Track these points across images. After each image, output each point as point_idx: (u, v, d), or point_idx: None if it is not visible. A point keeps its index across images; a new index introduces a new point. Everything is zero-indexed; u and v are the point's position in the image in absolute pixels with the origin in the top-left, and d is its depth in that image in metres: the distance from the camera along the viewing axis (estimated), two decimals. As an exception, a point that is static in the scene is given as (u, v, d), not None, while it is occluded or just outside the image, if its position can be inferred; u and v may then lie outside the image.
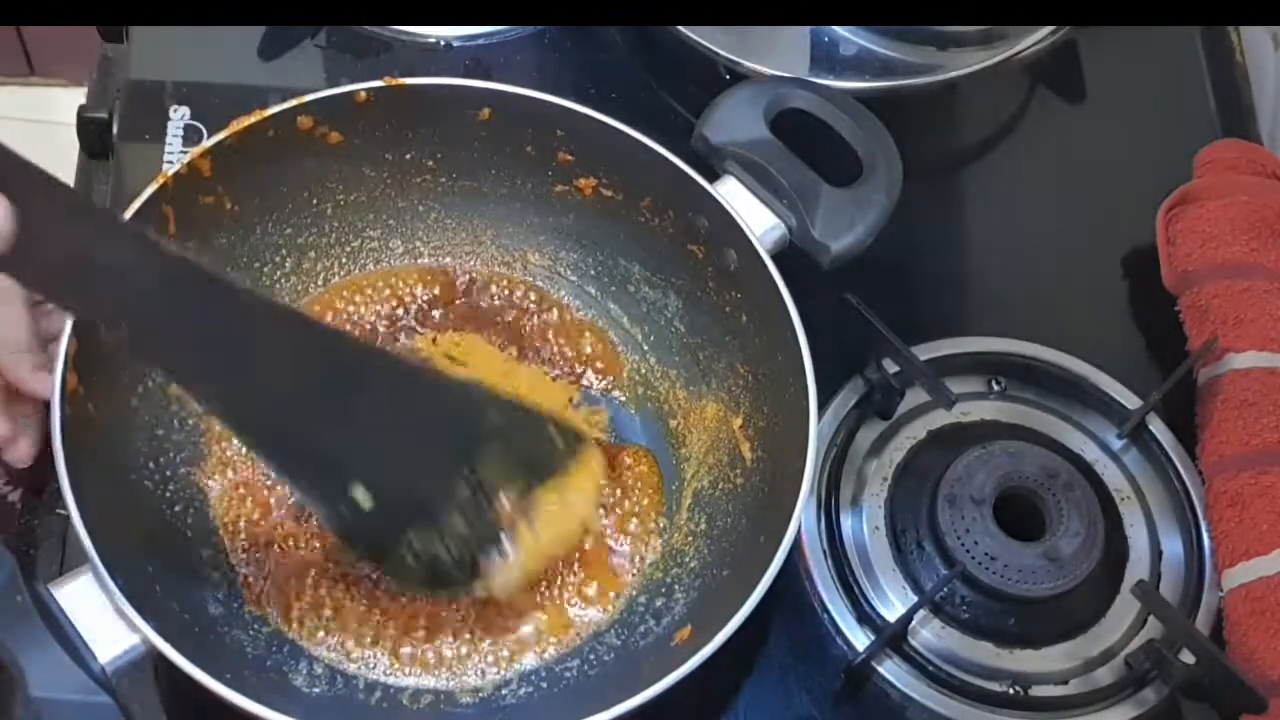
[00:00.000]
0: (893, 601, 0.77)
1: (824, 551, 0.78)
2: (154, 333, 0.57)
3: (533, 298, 0.83)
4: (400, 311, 0.82)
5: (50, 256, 0.51)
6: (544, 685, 0.72)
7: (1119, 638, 0.77)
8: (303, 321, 0.68)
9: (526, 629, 0.73)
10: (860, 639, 0.75)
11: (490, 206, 0.83)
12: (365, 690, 0.71)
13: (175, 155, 0.86)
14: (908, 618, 0.74)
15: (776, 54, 0.87)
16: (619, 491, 0.78)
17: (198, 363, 0.59)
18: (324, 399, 0.61)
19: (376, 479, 0.63)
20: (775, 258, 0.73)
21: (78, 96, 0.90)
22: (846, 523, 0.79)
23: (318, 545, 0.74)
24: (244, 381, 0.60)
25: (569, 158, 0.79)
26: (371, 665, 0.72)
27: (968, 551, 0.75)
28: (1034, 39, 0.89)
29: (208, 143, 0.72)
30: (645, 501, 0.78)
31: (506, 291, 0.83)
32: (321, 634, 0.72)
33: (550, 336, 0.82)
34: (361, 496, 0.62)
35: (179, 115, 0.88)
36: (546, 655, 0.73)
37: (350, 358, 0.64)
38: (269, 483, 0.75)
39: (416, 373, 0.68)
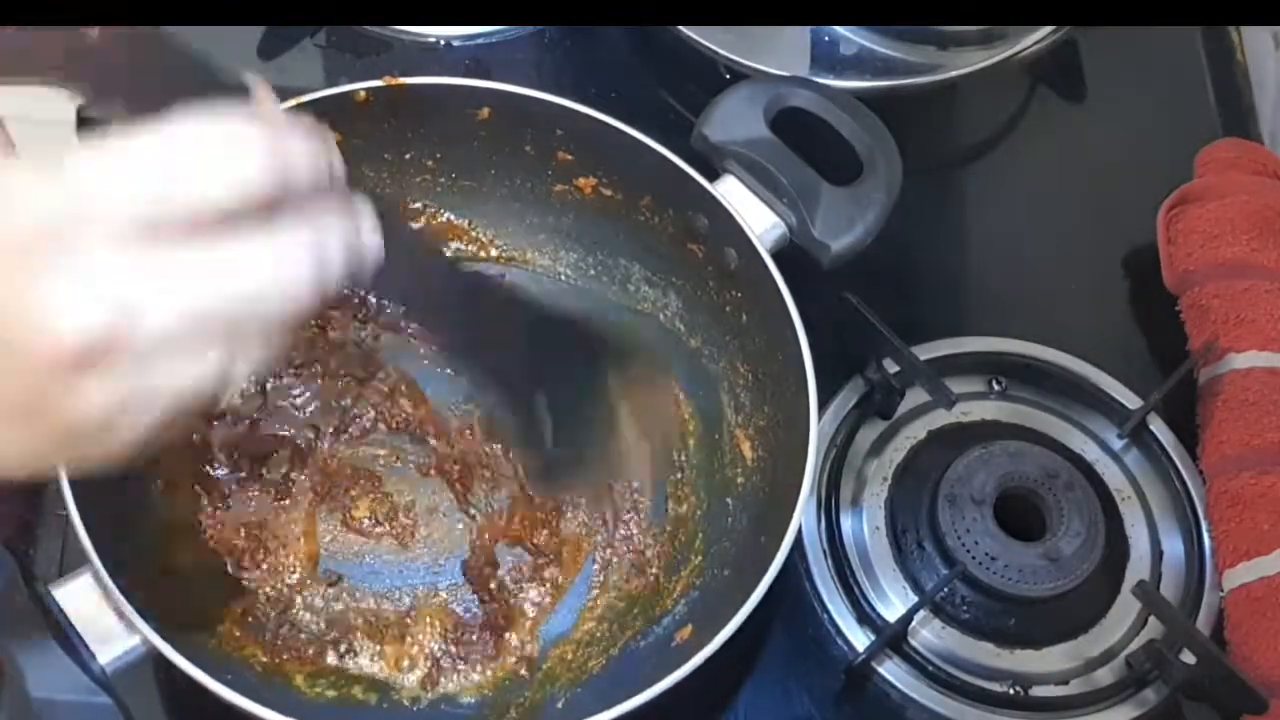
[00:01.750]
0: (893, 601, 0.77)
1: (824, 551, 0.78)
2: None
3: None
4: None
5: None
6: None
7: (1119, 638, 0.77)
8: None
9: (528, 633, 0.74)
10: (860, 639, 0.75)
11: (490, 206, 0.83)
12: (365, 690, 0.71)
13: (175, 155, 0.86)
14: (908, 618, 0.74)
15: (776, 54, 0.87)
16: (620, 490, 0.78)
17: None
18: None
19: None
20: (775, 257, 0.73)
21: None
22: (846, 523, 0.79)
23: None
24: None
25: (568, 157, 0.79)
26: (372, 666, 0.72)
27: (968, 551, 0.75)
28: (1034, 39, 0.88)
29: (207, 142, 0.72)
30: (645, 500, 0.78)
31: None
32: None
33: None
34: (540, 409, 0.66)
35: (178, 115, 0.87)
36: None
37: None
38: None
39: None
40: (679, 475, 0.79)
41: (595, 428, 0.71)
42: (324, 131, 0.46)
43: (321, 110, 0.75)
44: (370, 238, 0.48)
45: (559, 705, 0.71)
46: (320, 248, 0.44)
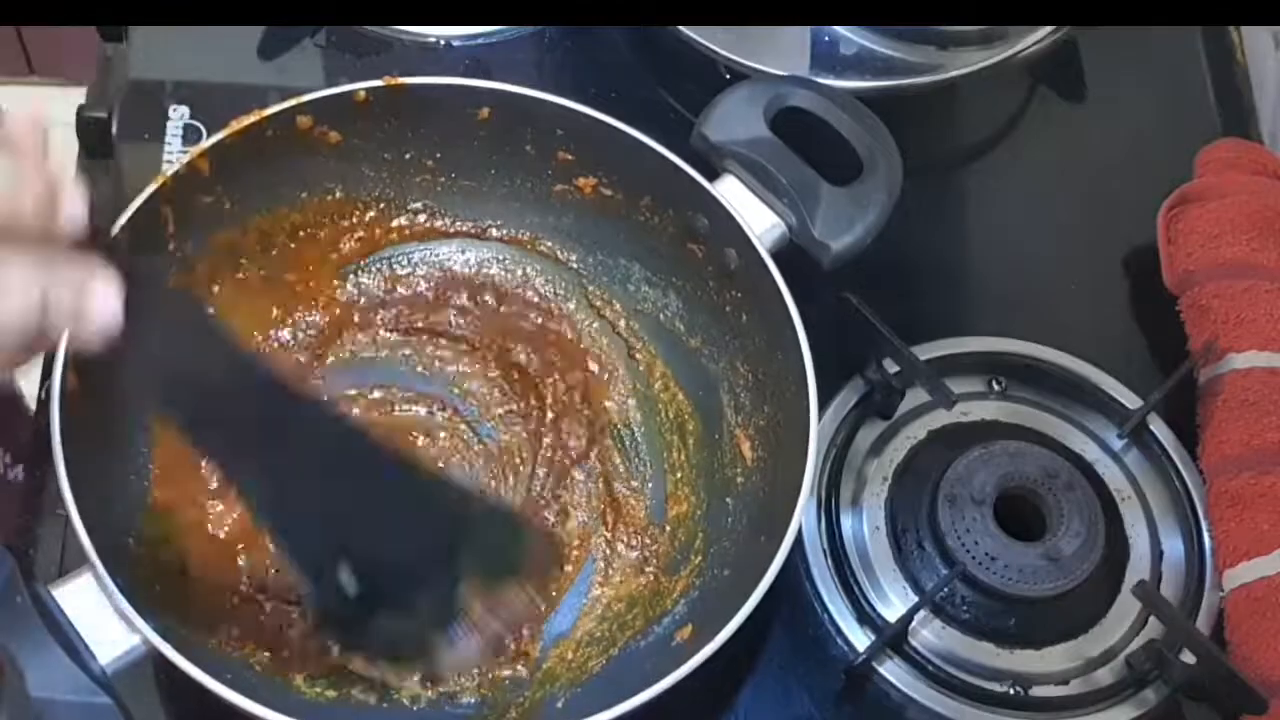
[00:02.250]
0: (893, 601, 0.77)
1: (824, 551, 0.78)
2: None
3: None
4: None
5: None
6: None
7: (1120, 638, 0.77)
8: (317, 406, 0.69)
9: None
10: (860, 639, 0.75)
11: (490, 206, 0.83)
12: (365, 690, 0.71)
13: (175, 154, 0.86)
14: (908, 618, 0.74)
15: (776, 54, 0.87)
16: (620, 490, 0.78)
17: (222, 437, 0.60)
18: (326, 482, 0.62)
19: (365, 564, 0.62)
20: (775, 257, 0.73)
21: (78, 96, 0.90)
22: (846, 523, 0.79)
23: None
24: (261, 457, 0.60)
25: (569, 157, 0.79)
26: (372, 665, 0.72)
27: (968, 551, 0.75)
28: (1034, 39, 0.88)
29: (207, 142, 0.72)
30: (646, 500, 0.78)
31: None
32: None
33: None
34: (347, 581, 0.61)
35: (178, 115, 0.88)
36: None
37: (356, 443, 0.64)
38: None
39: (410, 466, 0.67)
40: (679, 475, 0.79)
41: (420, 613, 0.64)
42: (69, 178, 0.46)
43: (320, 110, 0.75)
44: (103, 301, 0.48)
45: (559, 705, 0.71)
46: (34, 291, 0.45)
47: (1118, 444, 0.83)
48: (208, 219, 0.75)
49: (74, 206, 0.49)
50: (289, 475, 0.61)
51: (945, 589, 0.75)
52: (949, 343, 0.84)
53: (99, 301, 0.49)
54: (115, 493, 0.69)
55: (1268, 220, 0.85)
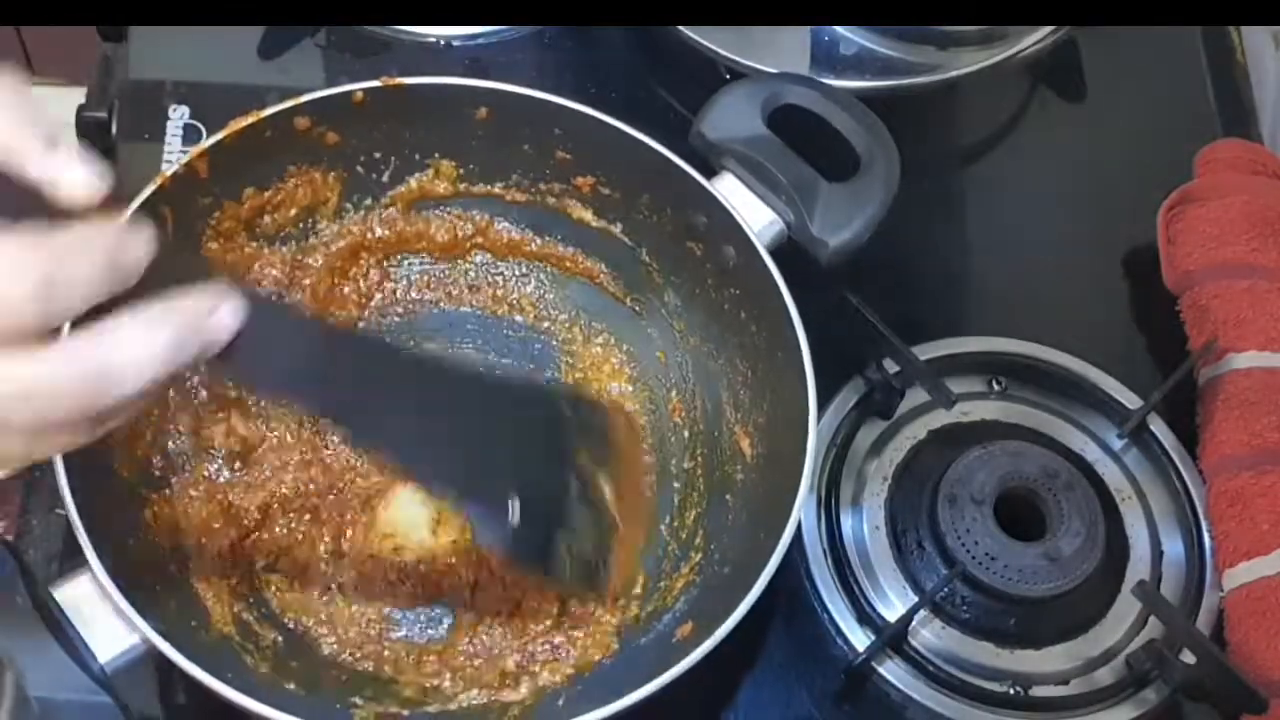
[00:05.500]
0: (893, 601, 0.76)
1: (824, 551, 0.78)
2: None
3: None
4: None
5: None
6: (544, 683, 0.73)
7: (1120, 638, 0.77)
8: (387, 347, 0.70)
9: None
10: (860, 639, 0.75)
11: (488, 205, 0.83)
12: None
13: (175, 155, 0.86)
14: (908, 618, 0.74)
15: (776, 53, 0.87)
16: (620, 490, 0.78)
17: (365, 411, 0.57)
18: (459, 420, 0.60)
19: (520, 488, 0.61)
20: (774, 254, 0.73)
21: (78, 96, 0.90)
22: (846, 523, 0.79)
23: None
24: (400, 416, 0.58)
25: (567, 156, 0.79)
26: (373, 665, 0.72)
27: (968, 551, 0.75)
28: (1034, 39, 0.89)
29: (205, 143, 0.72)
30: (646, 498, 0.78)
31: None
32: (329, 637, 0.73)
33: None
34: (514, 510, 0.61)
35: (178, 115, 0.88)
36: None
37: (446, 377, 0.63)
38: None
39: (500, 383, 0.69)
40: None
41: (568, 505, 0.65)
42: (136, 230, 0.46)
43: (319, 110, 0.75)
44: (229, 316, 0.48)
45: (559, 703, 0.71)
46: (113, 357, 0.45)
47: (1118, 444, 0.83)
48: (207, 219, 0.75)
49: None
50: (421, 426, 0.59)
51: (945, 589, 0.75)
52: (949, 343, 0.84)
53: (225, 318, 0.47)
54: (115, 493, 0.69)
55: (1268, 220, 0.85)
